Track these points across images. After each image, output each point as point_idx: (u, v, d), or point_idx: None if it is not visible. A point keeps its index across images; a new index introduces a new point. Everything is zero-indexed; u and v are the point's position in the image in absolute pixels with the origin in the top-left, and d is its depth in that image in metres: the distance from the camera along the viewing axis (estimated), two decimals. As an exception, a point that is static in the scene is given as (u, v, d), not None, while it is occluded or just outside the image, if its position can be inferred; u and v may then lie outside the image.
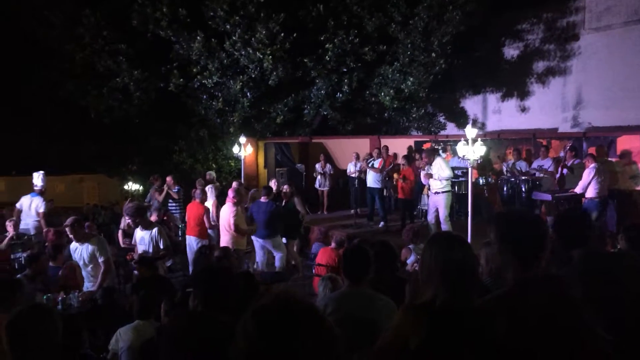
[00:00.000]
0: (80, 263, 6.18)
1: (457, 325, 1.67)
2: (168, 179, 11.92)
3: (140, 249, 6.69)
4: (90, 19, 14.13)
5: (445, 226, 8.96)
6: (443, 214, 9.01)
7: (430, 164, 9.15)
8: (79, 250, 6.16)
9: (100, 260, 6.07)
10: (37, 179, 9.10)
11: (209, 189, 9.49)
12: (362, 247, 3.62)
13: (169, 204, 11.67)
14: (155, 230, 6.62)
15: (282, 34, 13.74)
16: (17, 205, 9.06)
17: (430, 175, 9.10)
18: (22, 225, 8.79)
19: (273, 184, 10.29)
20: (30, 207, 8.88)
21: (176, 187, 11.80)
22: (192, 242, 8.65)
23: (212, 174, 12.42)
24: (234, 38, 13.85)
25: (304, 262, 9.37)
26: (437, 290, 1.99)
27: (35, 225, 8.78)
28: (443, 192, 8.97)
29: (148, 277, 5.62)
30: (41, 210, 8.75)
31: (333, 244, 7.53)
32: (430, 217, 9.38)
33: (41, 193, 8.98)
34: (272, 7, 13.64)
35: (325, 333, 1.30)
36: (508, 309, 1.90)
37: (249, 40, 13.83)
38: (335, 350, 1.31)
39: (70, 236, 6.19)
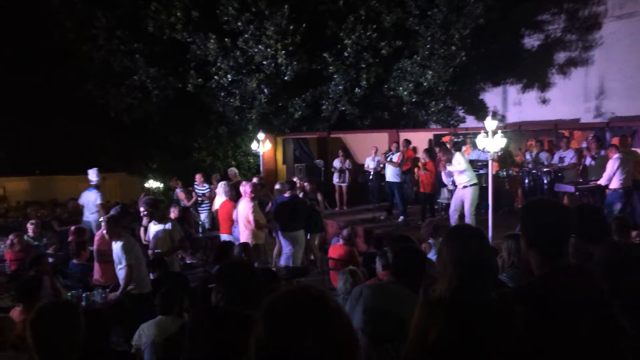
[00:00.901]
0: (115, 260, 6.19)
1: (472, 317, 1.65)
2: (197, 176, 11.95)
3: (153, 243, 6.71)
4: (102, 20, 14.31)
5: (469, 220, 8.79)
6: (468, 208, 8.85)
7: (450, 162, 9.05)
8: (113, 247, 6.15)
9: (122, 264, 5.85)
10: (92, 174, 9.88)
11: (221, 186, 9.58)
12: (414, 248, 3.63)
13: (199, 205, 11.71)
14: (169, 224, 6.65)
15: (292, 27, 13.72)
16: (79, 201, 9.89)
17: (449, 172, 9.06)
18: (84, 218, 9.58)
19: (296, 180, 10.30)
20: (89, 201, 9.60)
21: (205, 185, 11.80)
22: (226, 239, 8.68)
23: (234, 170, 12.46)
24: (246, 36, 13.91)
25: (323, 256, 9.38)
26: (452, 283, 1.97)
27: (95, 218, 9.32)
28: (470, 185, 8.86)
29: (165, 273, 5.66)
30: (98, 201, 9.48)
31: (341, 240, 7.49)
32: (452, 211, 9.25)
33: (97, 187, 9.74)
34: (284, 1, 13.63)
35: (338, 325, 1.28)
36: (529, 300, 1.87)
37: (260, 37, 13.86)
38: (351, 341, 1.29)
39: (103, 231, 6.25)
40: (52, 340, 2.26)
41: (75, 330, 2.33)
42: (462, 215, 9.08)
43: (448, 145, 11.04)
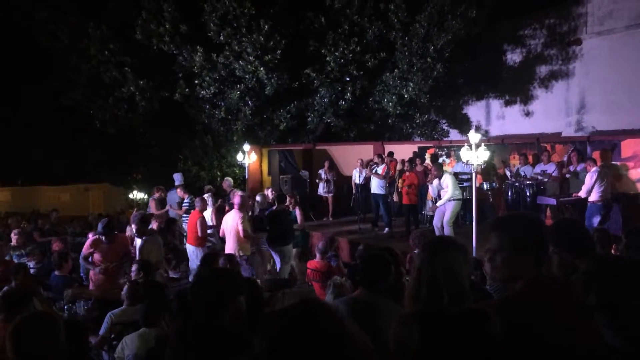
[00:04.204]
0: None
1: (448, 328, 1.67)
2: (178, 190, 11.80)
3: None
4: (96, 31, 14.27)
5: (447, 230, 9.18)
6: (447, 219, 9.20)
7: (439, 178, 9.39)
8: None
9: None
10: (177, 178, 11.85)
11: (207, 197, 9.59)
12: (377, 255, 3.61)
13: (183, 216, 11.57)
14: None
15: (272, 44, 13.79)
16: (167, 200, 11.67)
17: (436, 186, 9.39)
18: (170, 214, 11.21)
19: (270, 192, 10.31)
20: (173, 200, 11.30)
21: (187, 198, 11.63)
22: (189, 250, 8.75)
23: (229, 180, 12.39)
24: (227, 52, 13.96)
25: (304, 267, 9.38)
26: (423, 294, 1.99)
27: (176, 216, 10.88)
28: (454, 199, 9.21)
29: (150, 280, 5.63)
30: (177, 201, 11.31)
31: (318, 255, 7.41)
32: (436, 222, 9.49)
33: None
34: (265, 19, 13.69)
35: (347, 337, 1.31)
36: (507, 312, 1.90)
37: (241, 53, 13.92)
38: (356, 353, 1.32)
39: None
40: (32, 352, 2.24)
41: (55, 342, 2.31)
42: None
43: (442, 163, 11.47)
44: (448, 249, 2.10)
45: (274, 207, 8.80)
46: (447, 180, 9.29)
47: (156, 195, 11.75)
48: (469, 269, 2.13)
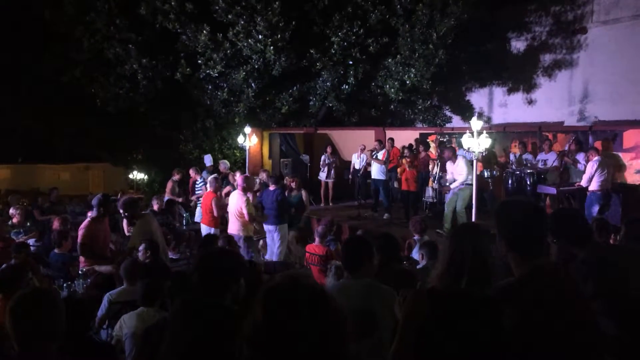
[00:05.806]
0: None
1: (456, 307, 1.68)
2: (191, 171, 11.67)
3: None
4: (104, 5, 14.15)
5: (460, 215, 9.22)
6: (460, 205, 9.20)
7: (452, 162, 9.37)
8: None
9: None
10: (207, 159, 12.51)
11: (211, 178, 9.58)
12: (360, 238, 3.58)
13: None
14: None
15: (282, 24, 13.69)
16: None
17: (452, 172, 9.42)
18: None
19: (265, 175, 10.29)
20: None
21: (199, 179, 11.61)
22: (203, 230, 8.78)
23: (226, 162, 12.33)
24: (237, 29, 13.83)
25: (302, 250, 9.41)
26: (444, 277, 2.01)
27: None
28: (466, 184, 9.19)
29: (150, 264, 5.63)
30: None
31: (317, 239, 7.42)
32: (446, 206, 9.53)
33: (209, 170, 12.05)
34: None
35: (332, 314, 1.33)
36: (512, 300, 1.91)
37: (250, 31, 13.82)
38: (341, 330, 1.34)
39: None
40: (31, 328, 2.25)
41: (55, 319, 2.32)
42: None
43: (453, 146, 11.46)
44: (476, 234, 2.11)
45: (270, 188, 8.79)
46: (461, 164, 9.23)
47: (176, 177, 11.67)
48: (486, 255, 2.13)
